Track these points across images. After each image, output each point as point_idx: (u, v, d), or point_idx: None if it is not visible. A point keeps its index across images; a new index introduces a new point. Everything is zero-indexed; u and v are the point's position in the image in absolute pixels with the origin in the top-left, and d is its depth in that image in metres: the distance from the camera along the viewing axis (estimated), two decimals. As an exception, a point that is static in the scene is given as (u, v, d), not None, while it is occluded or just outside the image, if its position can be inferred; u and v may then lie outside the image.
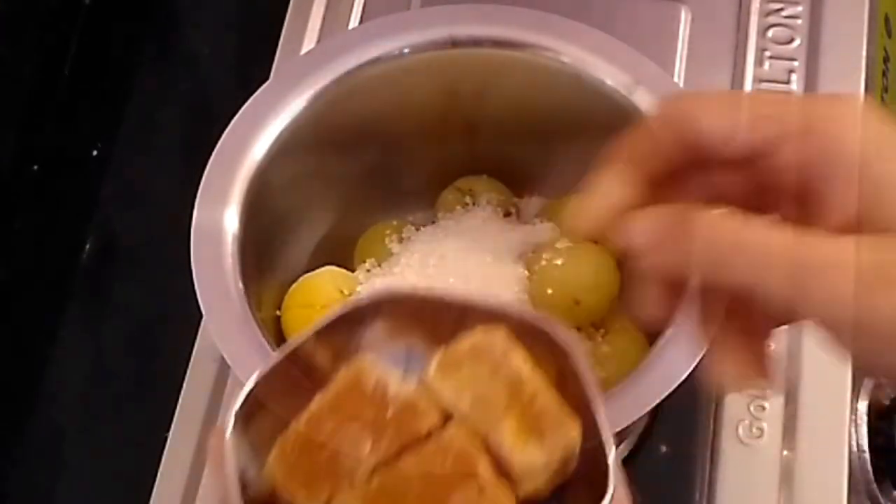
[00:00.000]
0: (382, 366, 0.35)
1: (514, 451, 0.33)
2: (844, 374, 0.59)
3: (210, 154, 0.56)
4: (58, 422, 0.72)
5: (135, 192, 0.79)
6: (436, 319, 0.37)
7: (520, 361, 0.35)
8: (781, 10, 0.71)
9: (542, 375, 0.35)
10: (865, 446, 0.58)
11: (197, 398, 0.62)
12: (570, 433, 0.34)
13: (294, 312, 0.59)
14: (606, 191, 0.36)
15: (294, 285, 0.60)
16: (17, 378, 0.73)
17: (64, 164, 0.79)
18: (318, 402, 0.35)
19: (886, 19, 0.72)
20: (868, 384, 0.60)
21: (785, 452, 0.58)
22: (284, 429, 0.35)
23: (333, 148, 0.60)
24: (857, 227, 0.33)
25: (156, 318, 0.73)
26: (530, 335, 0.36)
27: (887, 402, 0.61)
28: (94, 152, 0.79)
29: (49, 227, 0.77)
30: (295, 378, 0.36)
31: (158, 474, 0.60)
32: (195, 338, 0.63)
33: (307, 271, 0.60)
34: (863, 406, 0.59)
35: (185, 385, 0.62)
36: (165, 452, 0.61)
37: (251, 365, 0.51)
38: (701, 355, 0.49)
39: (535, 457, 0.33)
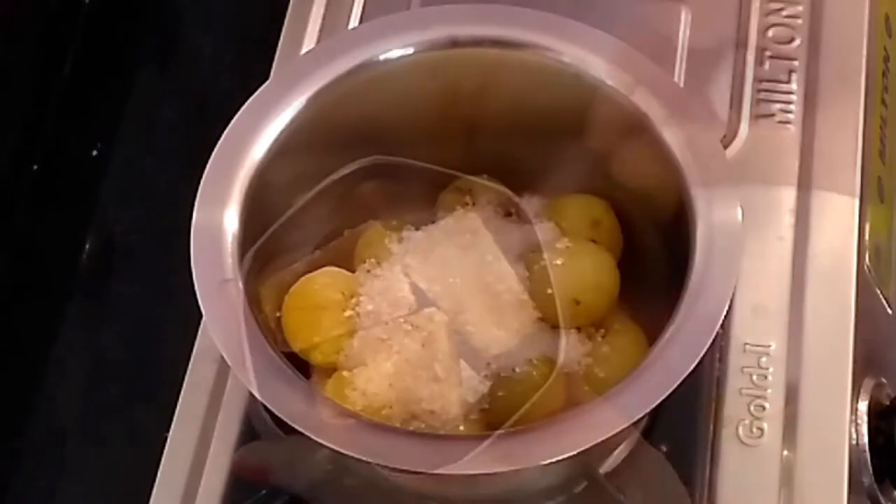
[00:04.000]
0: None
1: (476, 330, 0.42)
2: (844, 374, 0.59)
3: (210, 154, 0.56)
4: (58, 422, 0.72)
5: (135, 192, 0.79)
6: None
7: (488, 243, 0.43)
8: (781, 10, 0.71)
9: (506, 258, 0.43)
10: (865, 446, 0.58)
11: (197, 398, 0.62)
12: (529, 314, 0.42)
13: (294, 313, 0.59)
14: None
15: (294, 286, 0.60)
16: (17, 378, 0.73)
17: (64, 164, 0.79)
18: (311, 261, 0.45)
19: (887, 19, 0.72)
20: (868, 384, 0.60)
21: (785, 452, 0.58)
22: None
23: (333, 148, 0.60)
24: None
25: (156, 318, 0.73)
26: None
27: (887, 402, 0.61)
28: (94, 152, 0.79)
29: (49, 226, 0.77)
30: None
31: (158, 474, 0.60)
32: (195, 338, 0.63)
33: (307, 271, 0.60)
34: (863, 406, 0.59)
35: (185, 385, 0.62)
36: (165, 452, 0.61)
37: (251, 365, 0.51)
38: (701, 354, 0.49)
39: (495, 334, 0.42)
